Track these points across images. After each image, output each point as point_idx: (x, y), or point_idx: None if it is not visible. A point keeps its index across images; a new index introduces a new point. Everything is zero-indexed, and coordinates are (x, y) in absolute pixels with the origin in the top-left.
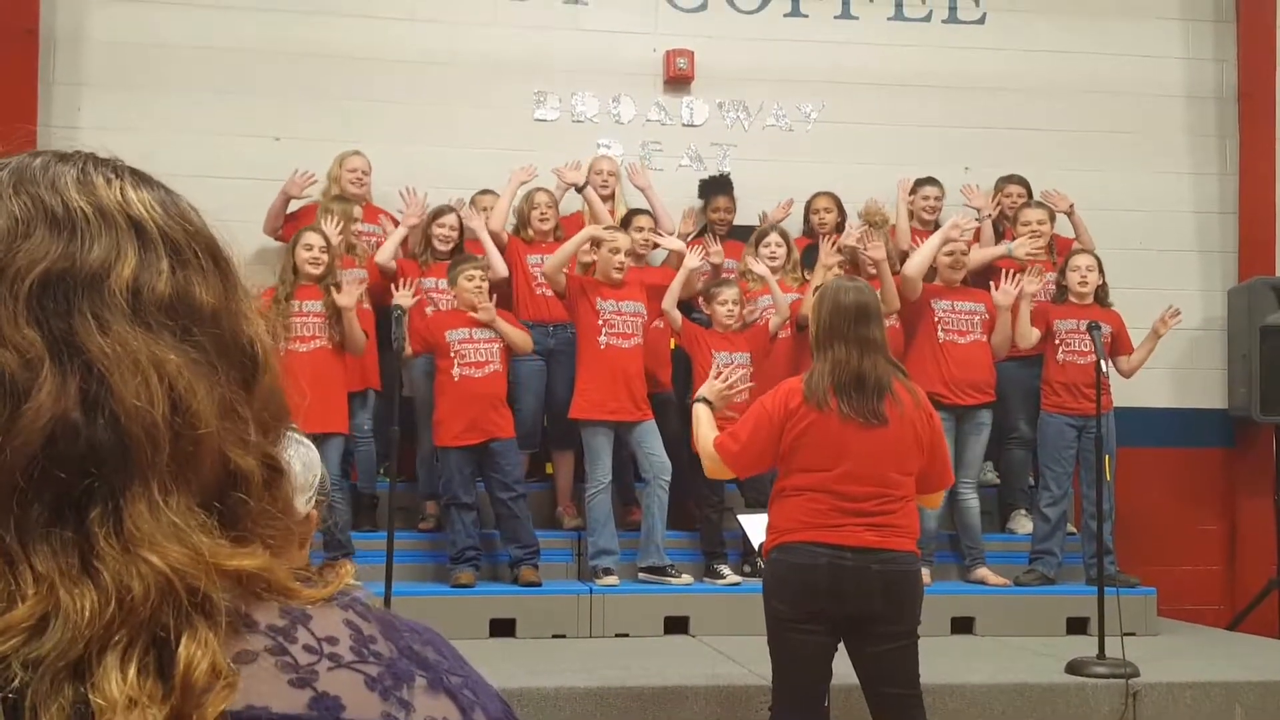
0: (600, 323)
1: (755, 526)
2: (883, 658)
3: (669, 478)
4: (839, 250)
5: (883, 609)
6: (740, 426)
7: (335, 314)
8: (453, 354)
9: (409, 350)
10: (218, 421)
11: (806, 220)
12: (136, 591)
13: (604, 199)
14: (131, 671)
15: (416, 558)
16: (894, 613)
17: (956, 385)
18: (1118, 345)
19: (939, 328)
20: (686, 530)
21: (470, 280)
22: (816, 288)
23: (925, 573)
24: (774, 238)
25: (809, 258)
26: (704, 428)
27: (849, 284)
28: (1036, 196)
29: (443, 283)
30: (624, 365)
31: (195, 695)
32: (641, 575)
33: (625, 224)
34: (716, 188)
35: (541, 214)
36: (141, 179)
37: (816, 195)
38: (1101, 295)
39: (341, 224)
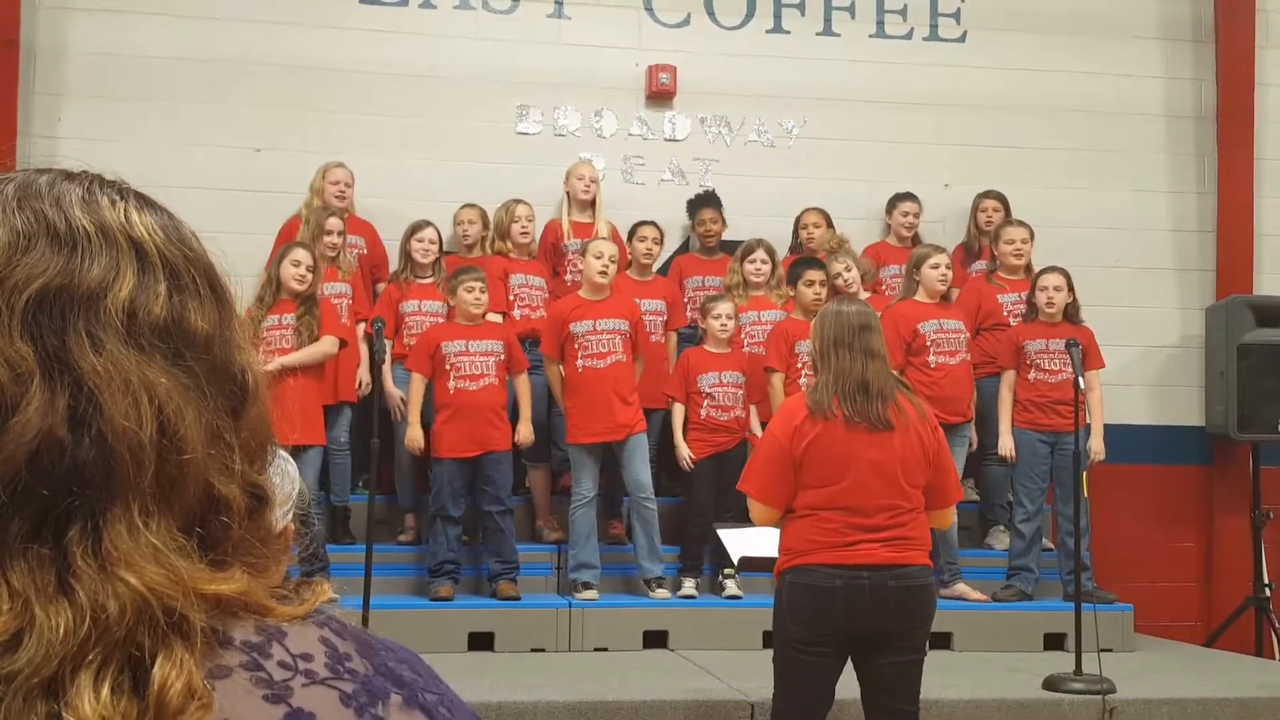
0: (575, 347)
1: (735, 541)
2: (891, 671)
3: (647, 495)
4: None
5: (898, 625)
6: (753, 459)
7: (310, 330)
8: (448, 366)
9: (417, 374)
10: (204, 447)
11: (795, 235)
12: (112, 611)
13: (584, 206)
14: (105, 690)
15: (395, 570)
16: (909, 628)
17: (949, 405)
18: (1086, 360)
19: (931, 350)
20: (668, 544)
21: (470, 291)
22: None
23: None
24: (760, 253)
25: (793, 274)
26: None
27: (850, 303)
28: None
29: (426, 304)
30: (602, 386)
31: (169, 716)
32: (642, 587)
33: (631, 235)
34: (703, 201)
35: (523, 227)
36: (146, 202)
37: (806, 211)
38: (1072, 312)
39: (314, 234)
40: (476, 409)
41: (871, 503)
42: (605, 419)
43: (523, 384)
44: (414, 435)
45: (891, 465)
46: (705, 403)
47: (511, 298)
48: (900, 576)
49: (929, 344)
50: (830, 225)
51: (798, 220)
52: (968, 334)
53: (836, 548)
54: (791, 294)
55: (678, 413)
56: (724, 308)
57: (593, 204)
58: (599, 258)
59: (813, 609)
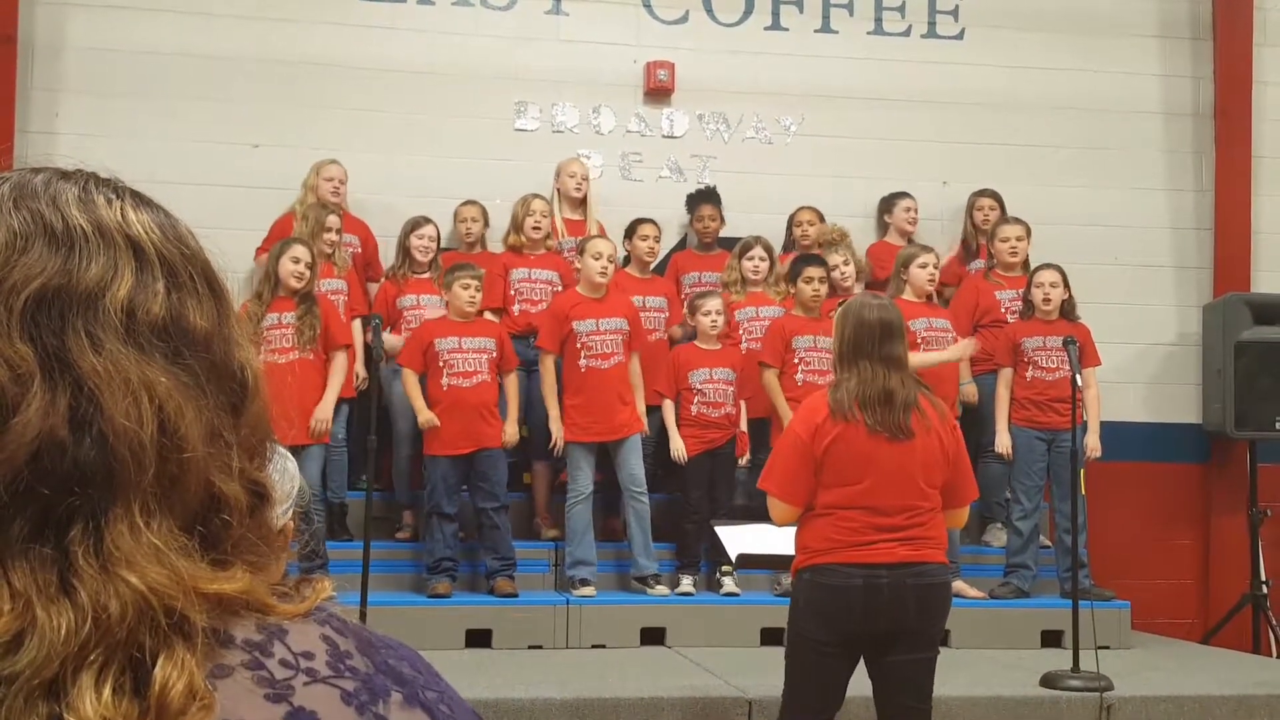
0: (579, 346)
1: (732, 539)
2: (907, 668)
3: (641, 490)
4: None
5: (916, 623)
6: (773, 458)
7: (311, 329)
8: (441, 364)
9: (408, 369)
10: (204, 446)
11: (789, 233)
12: (114, 611)
13: (576, 203)
14: (106, 691)
15: (393, 567)
16: (926, 625)
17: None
18: (1083, 358)
19: (921, 348)
20: (666, 541)
21: (465, 289)
22: (840, 304)
23: None
24: (758, 250)
25: (794, 270)
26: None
27: (873, 301)
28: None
29: (424, 298)
30: (605, 387)
31: (170, 716)
32: (635, 584)
33: (630, 233)
34: (702, 197)
35: (535, 222)
36: (142, 200)
37: (800, 209)
38: (1068, 309)
39: (314, 231)
40: (470, 406)
41: (891, 503)
42: (606, 420)
43: (511, 383)
44: (426, 417)
45: (912, 467)
46: (696, 399)
47: (512, 293)
48: (919, 574)
49: (919, 341)
50: (824, 223)
51: (791, 218)
52: (955, 333)
53: (855, 547)
54: (792, 291)
55: (668, 409)
56: (713, 304)
57: (584, 201)
58: (598, 258)
59: (831, 608)
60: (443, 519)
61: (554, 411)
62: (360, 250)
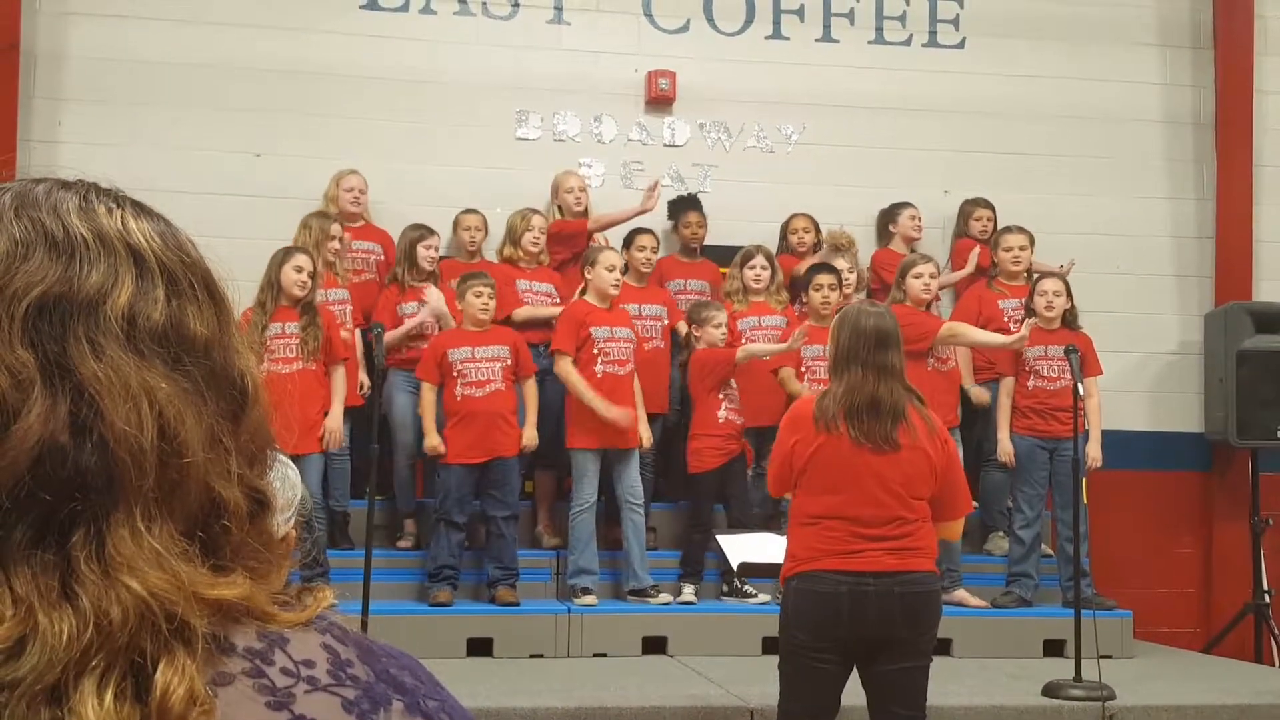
0: (595, 351)
1: (735, 548)
2: (896, 677)
3: (639, 502)
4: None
5: (904, 631)
6: (774, 450)
7: (315, 338)
8: (455, 374)
9: (426, 383)
10: (204, 452)
11: (784, 239)
12: (115, 616)
13: (575, 215)
14: (108, 697)
15: (394, 576)
16: (914, 634)
17: (943, 410)
18: (1084, 367)
19: (930, 355)
20: (669, 550)
21: (478, 297)
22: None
23: None
24: (759, 259)
25: (806, 278)
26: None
27: (870, 309)
28: (1031, 245)
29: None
30: (619, 391)
31: None
32: (630, 598)
33: (628, 243)
34: (686, 204)
35: (534, 238)
36: (142, 209)
37: (794, 216)
38: (1070, 319)
39: (317, 241)
40: (484, 415)
41: (875, 514)
42: (620, 426)
43: (530, 389)
44: (432, 444)
45: (894, 479)
46: (724, 405)
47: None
48: (906, 583)
49: (929, 349)
50: (818, 230)
51: (786, 225)
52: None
53: (841, 555)
54: (805, 299)
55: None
56: (722, 316)
57: (585, 214)
58: (610, 269)
59: (818, 615)
60: (450, 527)
61: (590, 394)
62: (384, 258)
